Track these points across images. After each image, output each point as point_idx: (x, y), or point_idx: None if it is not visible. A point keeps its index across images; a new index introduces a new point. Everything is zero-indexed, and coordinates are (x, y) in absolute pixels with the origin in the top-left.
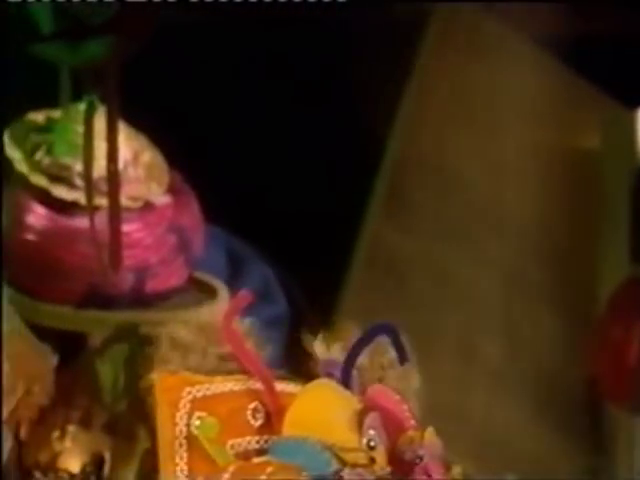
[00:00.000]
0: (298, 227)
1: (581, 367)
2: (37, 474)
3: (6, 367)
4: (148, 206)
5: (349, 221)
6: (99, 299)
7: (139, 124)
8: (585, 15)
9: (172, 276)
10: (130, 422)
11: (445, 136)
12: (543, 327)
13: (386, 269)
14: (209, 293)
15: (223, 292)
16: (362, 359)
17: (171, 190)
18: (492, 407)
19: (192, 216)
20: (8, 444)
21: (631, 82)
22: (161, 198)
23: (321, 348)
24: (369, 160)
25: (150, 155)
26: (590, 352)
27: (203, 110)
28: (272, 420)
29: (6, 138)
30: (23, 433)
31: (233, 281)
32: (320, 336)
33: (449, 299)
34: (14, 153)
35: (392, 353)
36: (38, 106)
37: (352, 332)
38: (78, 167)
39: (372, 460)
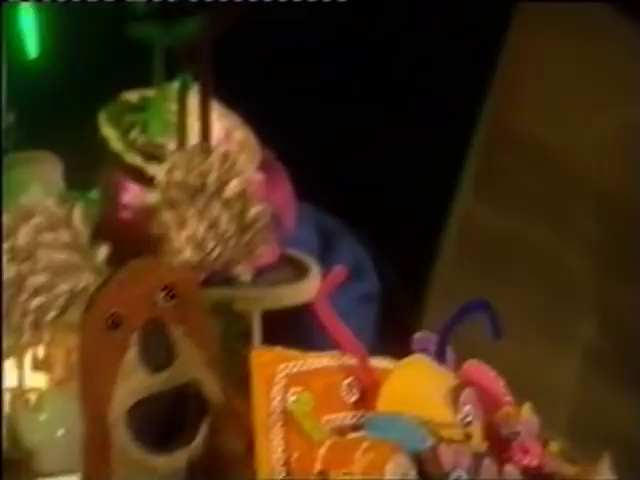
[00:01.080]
0: (390, 204)
1: None
2: None
3: None
4: None
5: (441, 198)
6: None
7: (231, 102)
8: None
9: (264, 253)
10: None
11: (540, 112)
12: (635, 303)
13: (478, 246)
14: (301, 270)
15: (315, 269)
16: None
17: (262, 167)
18: (587, 385)
19: (283, 193)
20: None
21: None
22: (253, 175)
23: None
24: (461, 137)
25: (242, 133)
26: None
27: (294, 88)
28: (367, 396)
29: (102, 118)
30: None
31: (325, 258)
32: None
33: (542, 277)
34: (109, 132)
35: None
36: (132, 86)
37: None
38: (172, 146)
39: (468, 436)
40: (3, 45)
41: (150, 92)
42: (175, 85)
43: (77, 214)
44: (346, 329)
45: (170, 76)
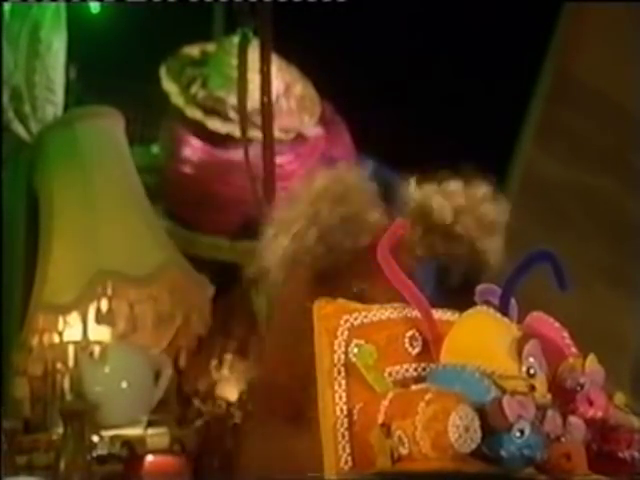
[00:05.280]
0: (451, 154)
1: None
2: (196, 401)
3: (165, 297)
4: (300, 138)
5: (504, 146)
6: (254, 230)
7: (291, 56)
8: None
9: None
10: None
11: (606, 65)
12: None
13: (539, 195)
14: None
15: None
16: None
17: (322, 122)
18: None
19: (344, 147)
20: (168, 372)
21: None
22: (313, 130)
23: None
24: (525, 87)
25: (302, 87)
26: None
27: (353, 43)
28: (430, 348)
29: (162, 72)
30: (182, 361)
31: (385, 211)
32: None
33: (602, 225)
34: (170, 87)
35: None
36: (193, 40)
37: None
38: (232, 100)
39: (532, 387)
40: (3, 43)
41: (210, 46)
42: (235, 39)
43: None
44: (409, 281)
45: (230, 30)
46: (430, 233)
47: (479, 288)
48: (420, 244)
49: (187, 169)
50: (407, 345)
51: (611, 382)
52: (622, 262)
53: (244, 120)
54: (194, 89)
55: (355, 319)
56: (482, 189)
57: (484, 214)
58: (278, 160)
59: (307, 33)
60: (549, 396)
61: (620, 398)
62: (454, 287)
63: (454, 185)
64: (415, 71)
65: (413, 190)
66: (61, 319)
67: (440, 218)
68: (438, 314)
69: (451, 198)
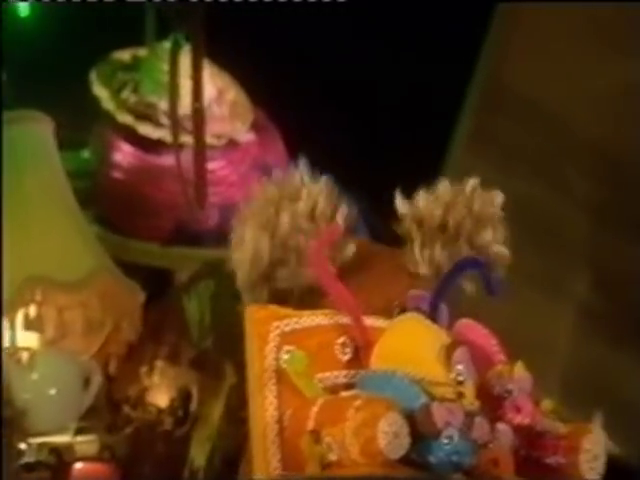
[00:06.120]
0: (384, 162)
1: None
2: (126, 408)
3: (95, 303)
4: (232, 144)
5: (435, 156)
6: (185, 236)
7: (223, 62)
8: None
9: None
10: (217, 358)
11: (533, 70)
12: (631, 261)
13: None
14: None
15: None
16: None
17: (255, 128)
18: (579, 342)
19: (277, 153)
20: (98, 378)
21: None
22: (245, 136)
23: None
24: (455, 94)
25: (234, 93)
26: None
27: (286, 47)
28: (360, 354)
29: (93, 77)
30: (112, 368)
31: None
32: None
33: (535, 233)
34: (101, 92)
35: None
36: (124, 45)
37: None
38: (164, 105)
39: (460, 394)
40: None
41: (142, 52)
42: (167, 45)
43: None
44: (342, 287)
45: (162, 36)
46: (427, 246)
47: (410, 294)
48: (423, 262)
49: (118, 174)
50: (338, 352)
51: (540, 388)
52: (552, 268)
53: (175, 125)
54: (125, 94)
55: (286, 325)
56: (470, 183)
57: (475, 206)
58: (210, 166)
59: (240, 39)
60: (477, 403)
61: (547, 405)
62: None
63: (441, 185)
64: (348, 77)
65: (401, 205)
66: None
67: (431, 220)
68: (369, 320)
69: (438, 198)
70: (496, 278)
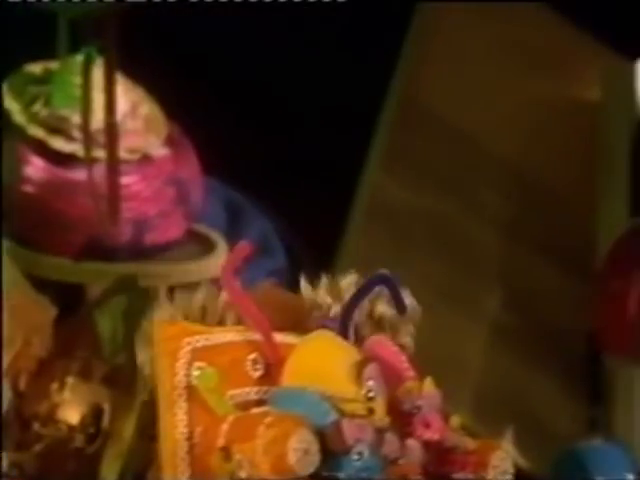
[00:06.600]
0: (298, 179)
1: (580, 319)
2: (36, 425)
3: (5, 318)
4: (146, 158)
5: (349, 172)
6: (98, 251)
7: (137, 76)
8: None
9: (171, 228)
10: (129, 374)
11: (446, 88)
12: (542, 279)
13: (385, 220)
14: (208, 246)
15: (222, 245)
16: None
17: (169, 142)
18: (490, 358)
19: (191, 168)
20: (7, 395)
21: (631, 34)
22: (159, 150)
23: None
24: (370, 110)
25: (148, 107)
26: (589, 304)
27: (202, 62)
28: (271, 371)
29: (4, 90)
30: (22, 385)
31: (232, 234)
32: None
33: (447, 250)
34: (12, 105)
35: (389, 303)
36: (36, 58)
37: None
38: (76, 119)
39: (371, 411)
40: None
41: (54, 65)
42: (79, 58)
43: None
44: (252, 304)
45: (75, 49)
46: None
47: (315, 314)
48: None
49: (29, 188)
50: (249, 368)
51: (452, 404)
52: (464, 285)
53: (88, 140)
54: (36, 107)
55: (197, 342)
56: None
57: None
58: (123, 180)
59: (154, 53)
60: (387, 419)
61: (455, 420)
62: None
63: (344, 281)
64: (265, 94)
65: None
66: None
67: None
68: (280, 337)
69: (339, 296)
70: (405, 296)
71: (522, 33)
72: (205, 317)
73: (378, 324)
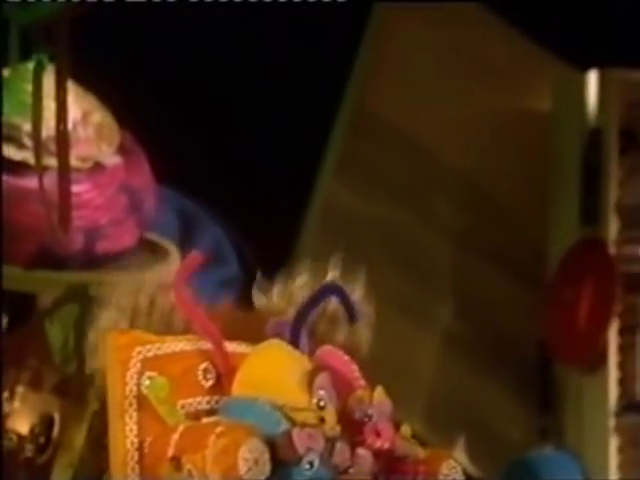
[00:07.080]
0: (251, 186)
1: (531, 328)
2: None
3: None
4: (98, 167)
5: (303, 180)
6: (49, 259)
7: (89, 83)
8: None
9: (123, 237)
10: (80, 383)
11: (400, 97)
12: (493, 288)
13: (338, 228)
14: (160, 254)
15: (174, 253)
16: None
17: (122, 150)
18: (442, 367)
19: (143, 177)
20: None
21: (581, 44)
22: (111, 158)
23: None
24: (323, 120)
25: (100, 115)
26: (540, 313)
27: (154, 69)
28: (223, 380)
29: None
30: None
31: (184, 242)
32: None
33: (400, 259)
34: None
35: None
36: None
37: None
38: (27, 127)
39: (322, 420)
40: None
41: (5, 72)
42: (30, 65)
43: None
44: (202, 313)
45: (25, 56)
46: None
47: (269, 323)
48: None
49: None
50: (201, 377)
51: (404, 413)
52: (417, 294)
53: (38, 147)
54: None
55: (148, 351)
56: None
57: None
58: (75, 189)
59: (106, 61)
60: (338, 428)
61: (406, 429)
62: None
63: (298, 281)
64: (217, 102)
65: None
66: None
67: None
68: (232, 346)
69: (292, 299)
70: (357, 305)
71: (475, 45)
72: (151, 320)
73: (332, 320)
